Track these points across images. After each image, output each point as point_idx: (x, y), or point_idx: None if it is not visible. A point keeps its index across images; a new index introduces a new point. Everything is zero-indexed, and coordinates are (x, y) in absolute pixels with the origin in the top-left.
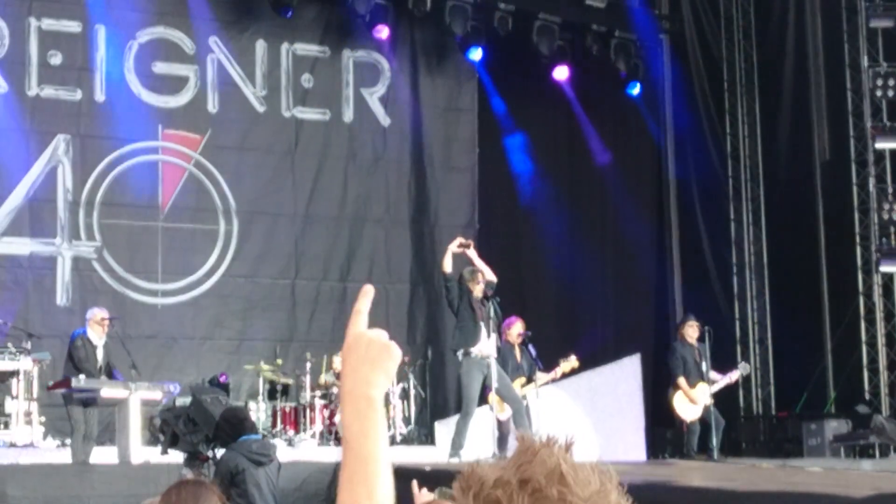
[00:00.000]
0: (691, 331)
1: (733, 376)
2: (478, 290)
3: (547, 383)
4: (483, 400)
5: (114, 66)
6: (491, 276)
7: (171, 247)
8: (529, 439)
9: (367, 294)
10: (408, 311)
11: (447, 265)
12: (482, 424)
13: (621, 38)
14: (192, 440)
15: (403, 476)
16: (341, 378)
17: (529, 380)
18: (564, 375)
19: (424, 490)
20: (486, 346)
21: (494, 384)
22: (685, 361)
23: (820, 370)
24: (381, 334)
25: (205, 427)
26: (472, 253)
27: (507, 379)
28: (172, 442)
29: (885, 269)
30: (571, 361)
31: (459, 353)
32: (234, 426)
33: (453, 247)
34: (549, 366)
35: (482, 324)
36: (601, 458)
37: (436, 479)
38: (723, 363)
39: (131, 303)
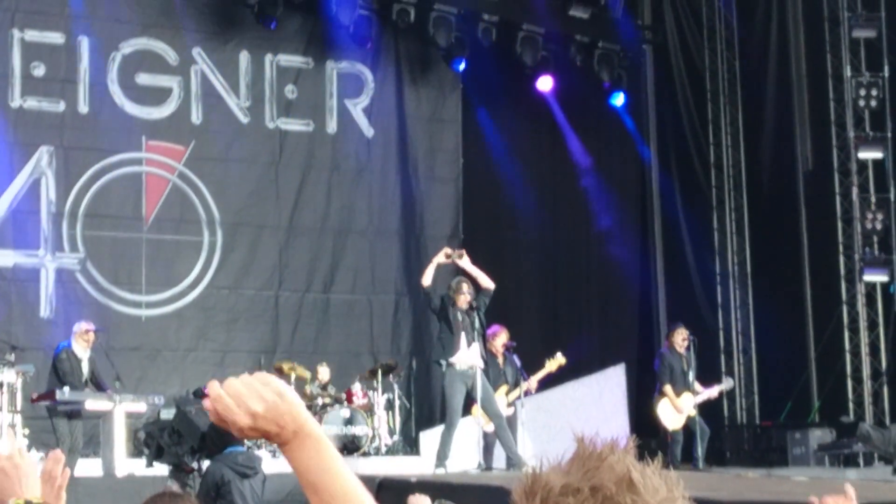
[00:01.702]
0: (679, 339)
1: (716, 390)
2: (462, 301)
3: (532, 386)
4: (468, 411)
5: (97, 77)
6: (487, 284)
7: (155, 258)
8: (591, 443)
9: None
10: (392, 322)
11: (427, 278)
12: (468, 435)
13: (605, 49)
14: (177, 452)
15: (389, 488)
16: (272, 437)
17: (515, 387)
18: (552, 374)
19: (419, 495)
20: (466, 355)
21: (479, 395)
22: (672, 369)
23: (804, 379)
24: (242, 376)
25: (190, 439)
26: (464, 262)
27: (491, 391)
28: (157, 454)
29: (868, 278)
30: (558, 359)
31: (442, 364)
32: (222, 435)
33: (440, 258)
34: (533, 371)
35: (462, 333)
36: None
37: (422, 490)
38: (706, 373)
39: (115, 314)
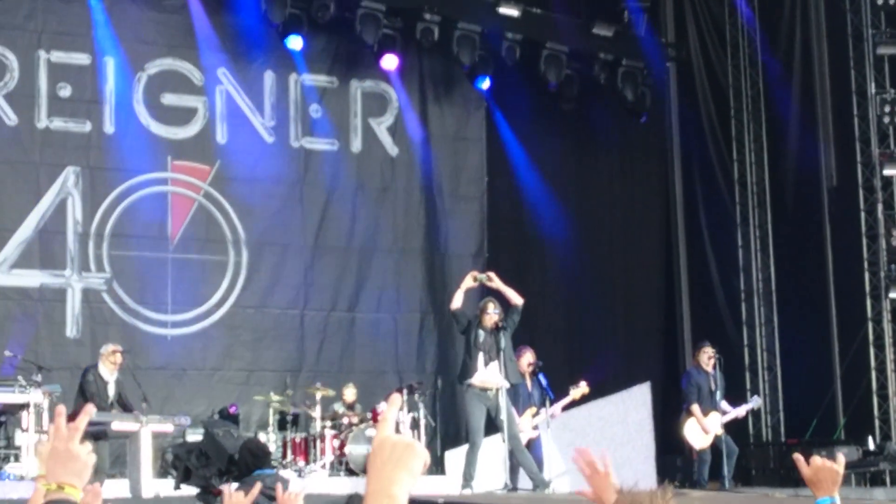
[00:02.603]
0: (706, 357)
1: (743, 410)
2: (487, 320)
3: (556, 412)
4: (495, 430)
5: (123, 97)
6: (516, 300)
7: (181, 278)
8: (630, 493)
9: (395, 403)
10: (417, 341)
11: (456, 302)
12: (494, 455)
13: (628, 67)
14: (204, 474)
15: None
16: (367, 481)
17: (542, 406)
18: (575, 402)
19: None
20: (485, 375)
21: (502, 417)
22: (699, 389)
23: (829, 397)
24: (404, 436)
25: (217, 461)
26: (494, 283)
27: (513, 413)
28: (185, 476)
29: (893, 294)
30: (582, 388)
31: (462, 385)
32: (257, 458)
33: (468, 283)
34: (559, 394)
35: (481, 353)
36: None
37: None
38: (731, 391)
39: (141, 334)
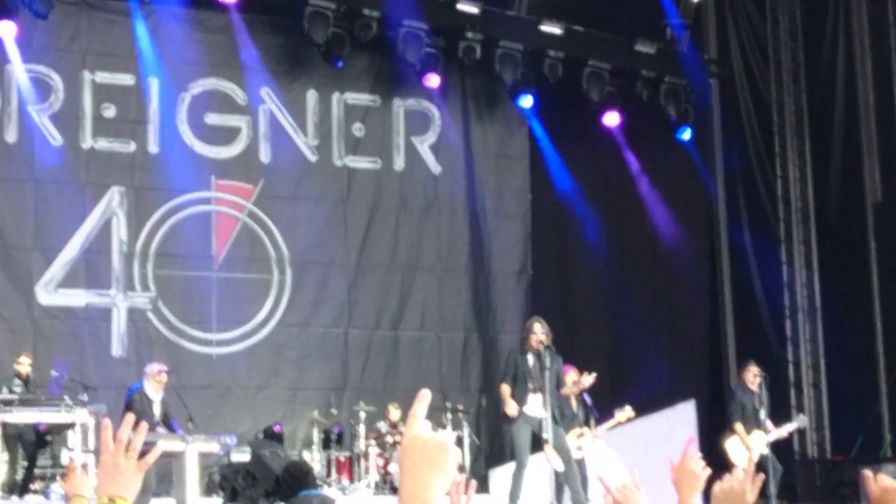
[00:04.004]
0: (751, 376)
1: (789, 428)
2: (533, 340)
3: (600, 433)
4: (539, 448)
5: (167, 117)
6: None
7: (226, 297)
8: None
9: (424, 398)
10: (461, 359)
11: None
12: (540, 473)
13: (671, 83)
14: (251, 495)
15: None
16: (400, 482)
17: (586, 424)
18: (620, 425)
19: None
20: (532, 404)
21: (549, 437)
22: (744, 407)
23: (875, 413)
24: (436, 435)
25: (264, 482)
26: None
27: (561, 432)
28: (232, 497)
29: None
30: (627, 412)
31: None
32: (297, 479)
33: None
34: (603, 413)
35: (527, 382)
36: None
37: None
38: (776, 408)
39: (186, 353)
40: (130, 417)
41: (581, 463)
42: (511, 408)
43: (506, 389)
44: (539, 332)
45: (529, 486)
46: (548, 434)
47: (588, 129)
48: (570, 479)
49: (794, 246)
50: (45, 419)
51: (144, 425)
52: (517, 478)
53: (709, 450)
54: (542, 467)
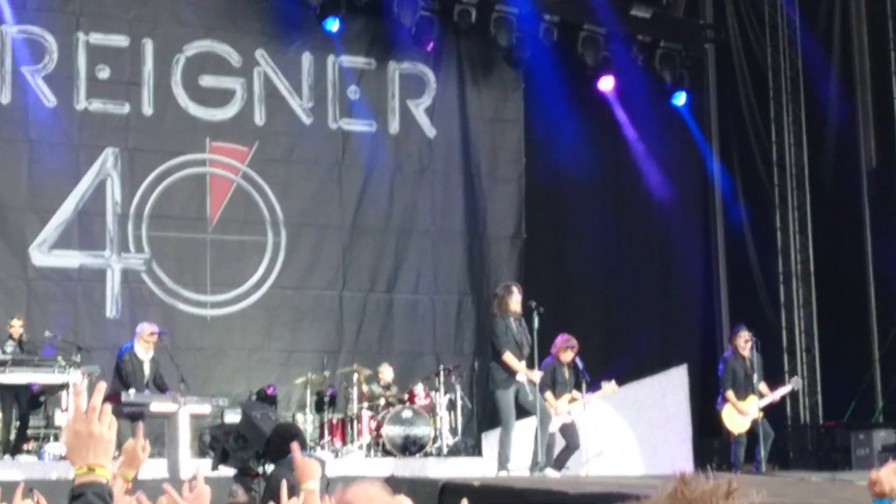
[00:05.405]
0: (742, 341)
1: (782, 393)
2: (513, 304)
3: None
4: (523, 413)
5: (161, 79)
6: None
7: (220, 259)
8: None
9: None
10: (455, 322)
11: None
12: (529, 436)
13: (666, 48)
14: (242, 456)
15: (452, 491)
16: None
17: (577, 388)
18: (605, 396)
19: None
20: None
21: (533, 397)
22: (735, 374)
23: (868, 379)
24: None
25: (255, 443)
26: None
27: (538, 394)
28: (223, 458)
29: None
30: (612, 386)
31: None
32: (286, 441)
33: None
34: (594, 377)
35: (515, 345)
36: (647, 470)
37: (485, 494)
38: (770, 373)
39: (180, 315)
40: (102, 385)
41: (572, 427)
42: (535, 374)
43: (513, 359)
44: (519, 294)
45: (521, 450)
46: (532, 395)
47: (583, 93)
48: (542, 439)
49: (789, 211)
50: (39, 380)
51: (102, 384)
52: (505, 439)
53: (701, 414)
54: (530, 430)
